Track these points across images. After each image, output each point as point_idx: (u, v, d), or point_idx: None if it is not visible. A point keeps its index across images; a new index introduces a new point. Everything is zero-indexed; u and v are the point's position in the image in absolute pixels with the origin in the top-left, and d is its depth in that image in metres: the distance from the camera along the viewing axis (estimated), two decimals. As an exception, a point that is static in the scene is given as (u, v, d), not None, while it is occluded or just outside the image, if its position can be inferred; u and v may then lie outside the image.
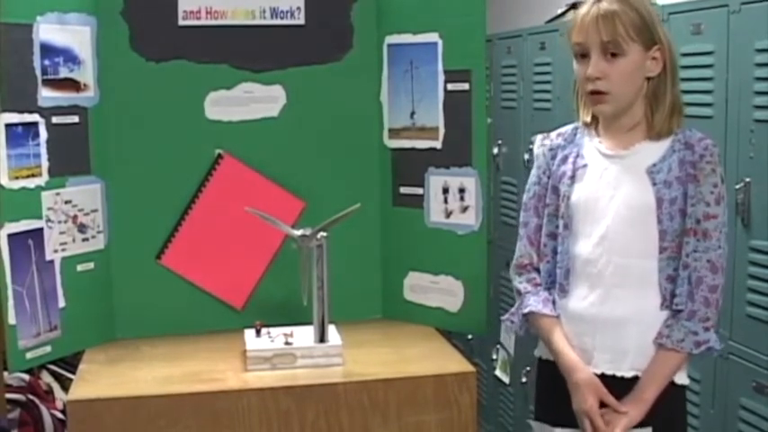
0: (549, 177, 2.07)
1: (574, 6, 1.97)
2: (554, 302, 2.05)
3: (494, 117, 3.58)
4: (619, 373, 1.96)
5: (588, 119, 2.04)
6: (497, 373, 3.73)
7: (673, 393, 1.95)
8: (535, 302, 2.06)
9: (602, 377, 1.96)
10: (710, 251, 1.91)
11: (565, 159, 2.04)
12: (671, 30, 2.43)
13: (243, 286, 2.65)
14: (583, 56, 1.94)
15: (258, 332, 2.39)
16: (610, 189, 1.96)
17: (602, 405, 1.94)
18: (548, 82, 3.25)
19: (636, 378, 1.94)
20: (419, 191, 2.64)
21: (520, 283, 2.11)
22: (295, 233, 2.37)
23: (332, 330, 2.39)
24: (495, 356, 3.74)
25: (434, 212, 2.62)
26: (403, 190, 2.67)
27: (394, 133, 2.67)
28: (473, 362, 2.69)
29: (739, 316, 2.26)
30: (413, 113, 2.62)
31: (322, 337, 2.35)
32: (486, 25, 2.51)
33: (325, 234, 2.35)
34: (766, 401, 2.19)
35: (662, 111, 1.94)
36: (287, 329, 2.40)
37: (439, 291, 2.64)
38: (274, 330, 2.40)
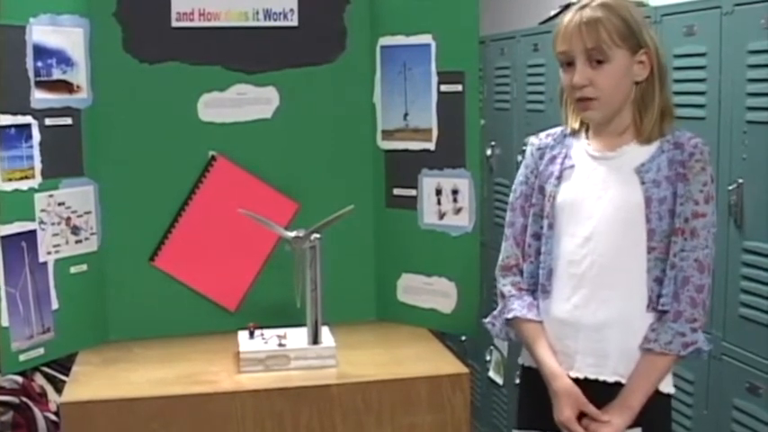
0: (536, 177, 2.05)
1: (567, 8, 1.96)
2: (538, 307, 2.01)
3: (487, 118, 3.58)
4: (601, 378, 1.92)
5: (576, 125, 2.01)
6: (491, 374, 3.74)
7: (657, 402, 1.91)
8: (520, 307, 2.02)
9: (585, 382, 1.93)
10: (698, 250, 1.88)
11: (553, 159, 2.03)
12: (664, 31, 2.43)
13: (236, 288, 2.65)
14: (569, 64, 1.92)
15: (252, 334, 2.39)
16: (597, 190, 1.94)
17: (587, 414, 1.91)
18: (541, 83, 3.26)
19: (618, 384, 1.90)
20: (412, 192, 2.64)
21: (504, 286, 2.08)
22: (288, 235, 2.37)
23: (325, 332, 2.39)
24: (488, 358, 3.74)
25: (428, 214, 2.62)
26: (396, 191, 2.67)
27: (387, 135, 2.67)
28: (466, 363, 2.69)
29: (732, 317, 2.26)
30: (406, 115, 2.62)
31: (315, 339, 2.35)
32: (480, 27, 2.52)
33: (318, 236, 2.35)
34: (759, 402, 2.19)
35: (650, 115, 1.92)
36: (280, 331, 2.40)
37: (432, 292, 2.64)
38: (268, 332, 2.40)
